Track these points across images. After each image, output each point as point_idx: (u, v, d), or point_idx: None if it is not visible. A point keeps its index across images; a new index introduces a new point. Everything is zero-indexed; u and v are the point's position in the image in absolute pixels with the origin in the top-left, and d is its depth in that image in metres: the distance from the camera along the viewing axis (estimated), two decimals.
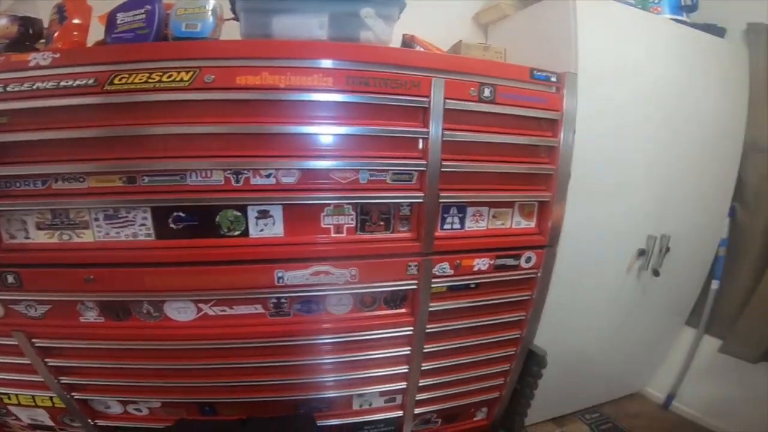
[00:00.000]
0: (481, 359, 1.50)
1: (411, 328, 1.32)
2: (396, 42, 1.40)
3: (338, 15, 1.10)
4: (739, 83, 1.81)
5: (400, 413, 1.49)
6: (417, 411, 1.52)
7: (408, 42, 1.36)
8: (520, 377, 1.64)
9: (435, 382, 1.47)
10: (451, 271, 1.30)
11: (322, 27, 1.06)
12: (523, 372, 1.63)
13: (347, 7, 1.09)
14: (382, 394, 1.46)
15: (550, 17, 1.52)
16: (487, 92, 1.20)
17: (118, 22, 1.00)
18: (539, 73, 1.29)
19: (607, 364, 2.02)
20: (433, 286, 1.30)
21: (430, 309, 1.32)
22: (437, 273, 1.29)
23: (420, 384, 1.45)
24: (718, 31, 1.72)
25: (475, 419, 1.72)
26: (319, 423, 1.38)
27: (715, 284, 1.97)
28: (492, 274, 1.36)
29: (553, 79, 1.31)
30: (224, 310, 1.17)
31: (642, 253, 1.74)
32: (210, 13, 1.01)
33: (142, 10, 0.99)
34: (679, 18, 1.63)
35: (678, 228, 1.81)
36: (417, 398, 1.48)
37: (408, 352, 1.37)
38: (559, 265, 1.58)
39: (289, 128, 1.04)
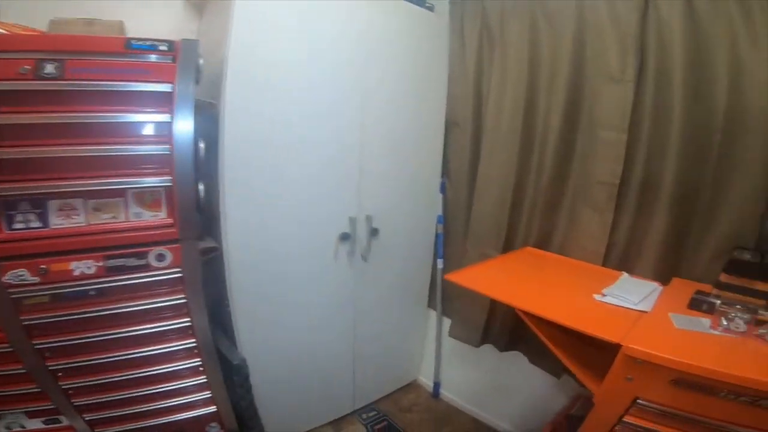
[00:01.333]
0: (154, 373, 1.29)
1: (5, 344, 1.09)
2: None
3: None
4: (443, 57, 1.67)
5: None
6: None
7: None
8: (232, 388, 1.43)
9: (99, 400, 1.26)
10: (37, 279, 1.06)
11: None
12: (230, 383, 1.42)
13: None
14: (31, 415, 1.25)
15: None
16: (50, 68, 1.00)
17: None
18: (139, 43, 1.07)
19: (361, 357, 1.83)
20: (23, 296, 1.07)
21: (26, 323, 1.09)
22: (14, 282, 1.05)
23: (78, 403, 1.24)
24: (420, 1, 1.56)
25: None
26: None
27: (440, 263, 1.83)
28: (108, 278, 1.12)
29: (164, 48, 1.08)
30: None
31: (346, 237, 1.49)
32: None
33: None
34: None
35: (386, 207, 1.65)
36: (87, 418, 1.28)
37: (24, 371, 1.14)
38: (238, 261, 1.34)
39: None
